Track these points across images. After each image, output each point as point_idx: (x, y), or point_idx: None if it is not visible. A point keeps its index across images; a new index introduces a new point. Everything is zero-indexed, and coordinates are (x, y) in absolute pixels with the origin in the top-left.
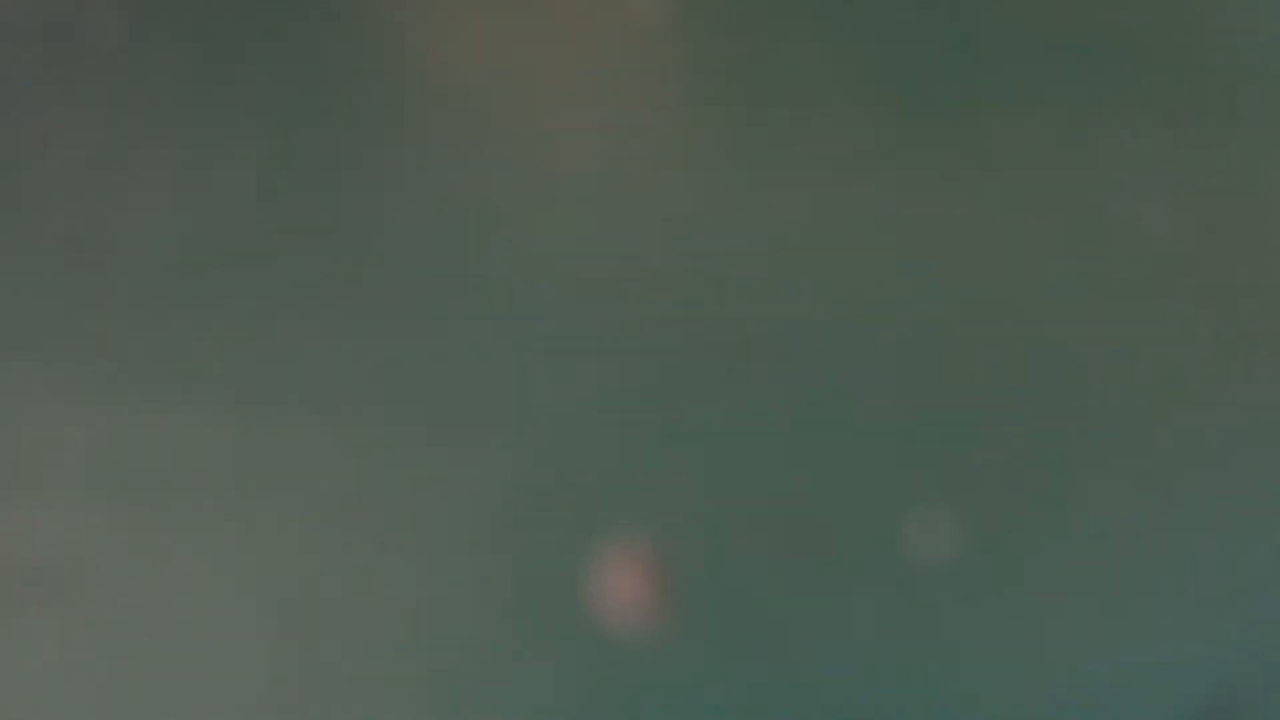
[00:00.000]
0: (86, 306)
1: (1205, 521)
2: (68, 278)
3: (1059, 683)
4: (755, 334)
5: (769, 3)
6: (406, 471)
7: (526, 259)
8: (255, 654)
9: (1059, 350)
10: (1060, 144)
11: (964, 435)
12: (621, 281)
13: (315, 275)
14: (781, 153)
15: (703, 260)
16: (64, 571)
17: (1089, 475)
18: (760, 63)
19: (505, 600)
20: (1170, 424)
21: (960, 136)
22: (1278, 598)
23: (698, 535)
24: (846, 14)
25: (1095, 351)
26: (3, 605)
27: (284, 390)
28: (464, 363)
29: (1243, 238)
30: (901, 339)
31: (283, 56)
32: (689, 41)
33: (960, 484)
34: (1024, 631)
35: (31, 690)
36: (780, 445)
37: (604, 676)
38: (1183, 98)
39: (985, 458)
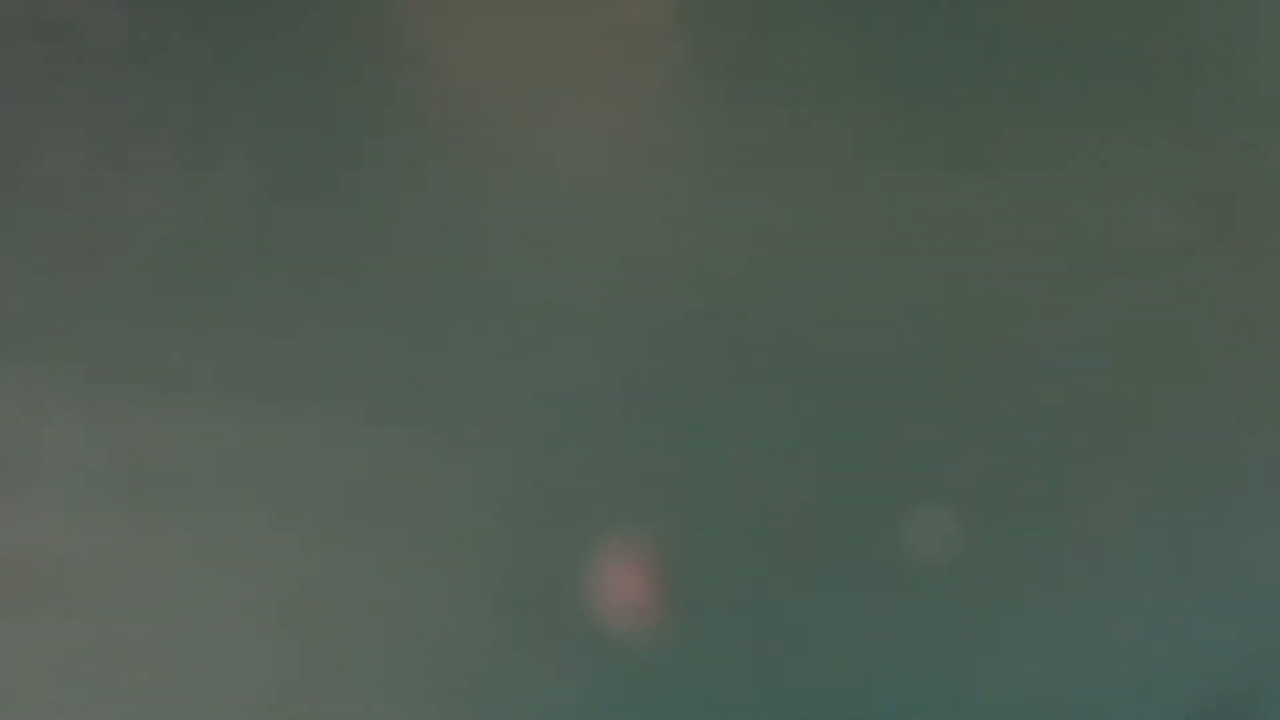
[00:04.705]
0: (86, 306)
1: (1205, 522)
2: (68, 278)
3: (1058, 683)
4: (755, 334)
5: (769, 2)
6: (406, 471)
7: (527, 259)
8: (254, 653)
9: (1058, 350)
10: (1060, 144)
11: (964, 435)
12: (621, 281)
13: (315, 275)
14: (782, 152)
15: (703, 260)
16: (64, 571)
17: (1089, 475)
18: (760, 62)
19: (505, 600)
20: (1170, 424)
21: (960, 136)
22: (1278, 598)
23: (698, 535)
24: (846, 14)
25: (1095, 351)
26: (2, 605)
27: (284, 390)
28: (464, 363)
29: (1242, 238)
30: (901, 339)
31: (284, 56)
32: (689, 41)
33: (960, 484)
34: (1024, 632)
35: (31, 690)
36: (780, 445)
37: (604, 676)
38: (1182, 98)
39: (985, 458)
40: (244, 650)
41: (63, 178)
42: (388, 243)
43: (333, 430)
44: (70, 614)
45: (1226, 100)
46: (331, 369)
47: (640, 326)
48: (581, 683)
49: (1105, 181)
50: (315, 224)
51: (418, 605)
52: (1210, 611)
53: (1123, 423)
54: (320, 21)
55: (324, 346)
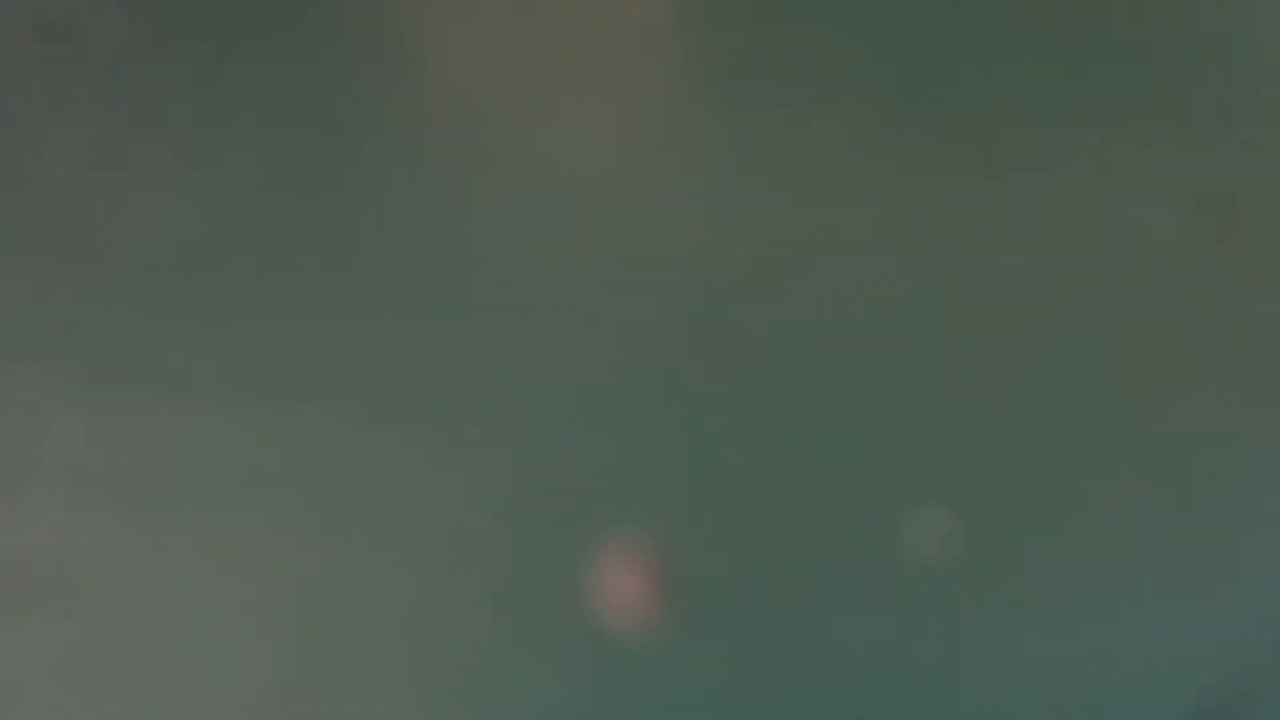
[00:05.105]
0: (86, 306)
1: (1205, 522)
2: (68, 278)
3: (1058, 683)
4: (755, 334)
5: (769, 2)
6: (407, 471)
7: (527, 259)
8: (254, 653)
9: (1058, 350)
10: (1060, 143)
11: (964, 435)
12: (621, 281)
13: (315, 275)
14: (782, 152)
15: (703, 260)
16: (64, 571)
17: (1088, 475)
18: (760, 62)
19: (505, 600)
20: (1170, 424)
21: (960, 136)
22: (1278, 598)
23: (698, 535)
24: (847, 14)
25: (1095, 351)
26: (2, 605)
27: (283, 390)
28: (465, 363)
29: (1243, 238)
30: (901, 339)
31: (284, 56)
32: (689, 41)
33: (960, 484)
34: (1023, 632)
35: (31, 690)
36: (780, 445)
37: (604, 676)
38: (1183, 98)
39: (985, 458)
40: (244, 650)
41: (63, 178)
42: (388, 243)
43: (333, 430)
44: (70, 614)
45: (1227, 100)
46: (331, 369)
47: (640, 326)
48: (581, 683)
49: (1105, 181)
50: (315, 224)
51: (417, 605)
52: (1210, 611)
53: (1123, 423)
54: (320, 21)
55: (324, 346)
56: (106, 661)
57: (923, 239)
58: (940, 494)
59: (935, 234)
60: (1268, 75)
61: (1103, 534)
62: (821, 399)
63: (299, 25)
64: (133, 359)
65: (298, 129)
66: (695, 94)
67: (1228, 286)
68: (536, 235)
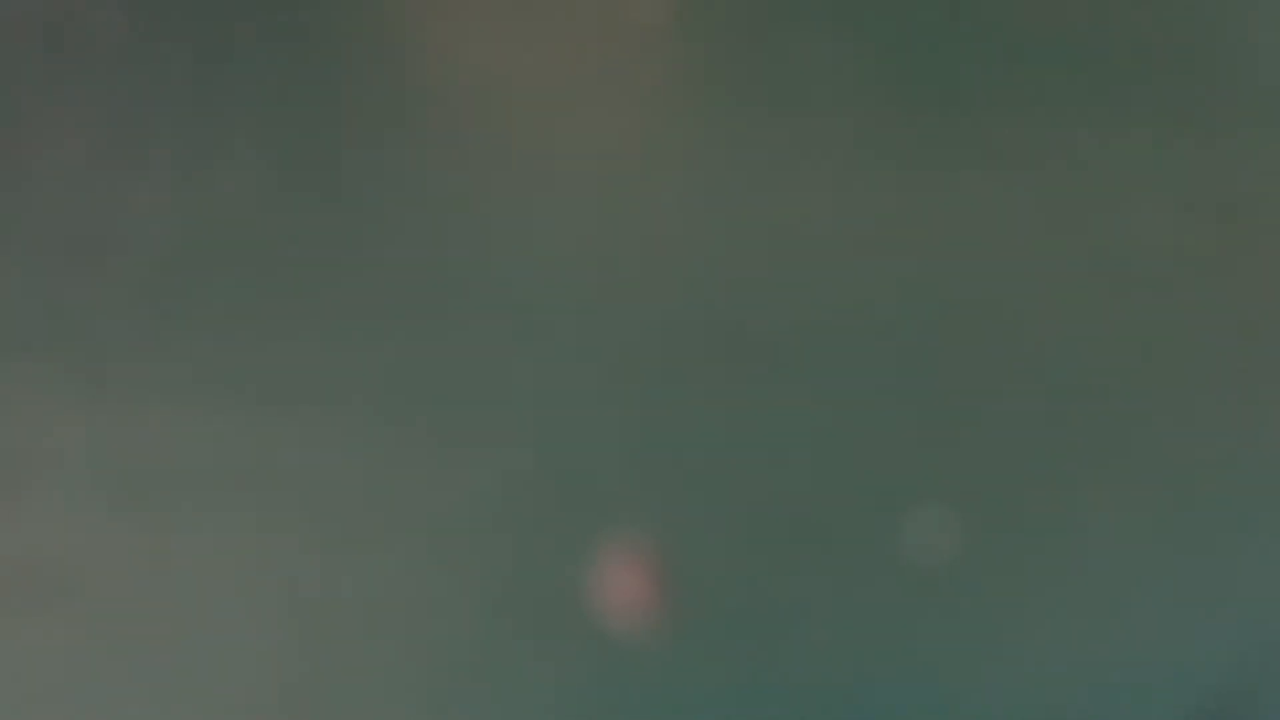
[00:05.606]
0: (86, 306)
1: (1204, 522)
2: (68, 278)
3: (1058, 683)
4: (755, 334)
5: (770, 3)
6: (406, 471)
7: (528, 259)
8: (254, 653)
9: (1059, 350)
10: (1061, 144)
11: (965, 435)
12: (623, 282)
13: (316, 275)
14: (783, 153)
15: (703, 260)
16: (64, 571)
17: (1089, 476)
18: (761, 63)
19: (505, 599)
20: (1170, 424)
21: (961, 136)
22: (1277, 599)
23: (697, 535)
24: (847, 15)
25: (1095, 351)
26: (2, 605)
27: (284, 390)
28: (465, 363)
29: (1243, 237)
30: (902, 339)
31: (283, 56)
32: (689, 41)
33: (960, 484)
34: (1023, 632)
35: (31, 690)
36: (780, 444)
37: (604, 676)
38: (1183, 98)
39: (986, 458)
40: (243, 650)
41: (63, 178)
42: (388, 243)
43: (333, 430)
44: (70, 614)
45: (1227, 101)
46: (331, 369)
47: (640, 326)
48: (581, 683)
49: (1106, 182)
50: (315, 224)
51: (417, 605)
52: (1210, 611)
53: (1123, 423)
54: (320, 21)
55: (324, 346)
56: (106, 661)
57: (923, 239)
58: (941, 494)
59: (936, 234)
60: (1268, 75)
61: (1103, 535)
62: (822, 398)
63: (299, 25)
64: (133, 359)
65: (298, 129)
66: (696, 94)
67: (1228, 286)
68: (536, 235)
